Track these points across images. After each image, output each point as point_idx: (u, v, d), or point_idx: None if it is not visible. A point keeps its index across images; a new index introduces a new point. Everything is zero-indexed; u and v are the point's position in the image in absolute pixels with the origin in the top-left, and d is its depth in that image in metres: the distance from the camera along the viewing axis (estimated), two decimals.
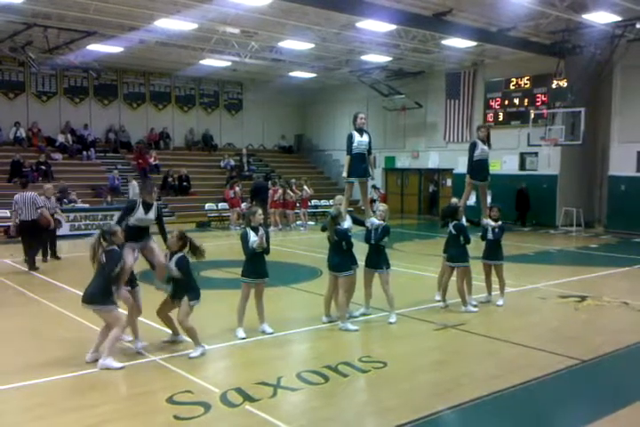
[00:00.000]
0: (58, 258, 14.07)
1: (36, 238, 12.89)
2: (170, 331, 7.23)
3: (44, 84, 24.23)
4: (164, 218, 7.62)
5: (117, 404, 5.67)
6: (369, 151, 8.66)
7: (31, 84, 23.96)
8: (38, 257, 13.17)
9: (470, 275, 9.46)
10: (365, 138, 8.55)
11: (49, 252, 13.89)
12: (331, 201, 23.55)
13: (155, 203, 7.39)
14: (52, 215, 13.37)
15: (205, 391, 5.80)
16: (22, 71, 23.54)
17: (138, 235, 7.19)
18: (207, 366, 6.62)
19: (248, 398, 5.59)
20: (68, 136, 24.17)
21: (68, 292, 10.40)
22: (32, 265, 12.54)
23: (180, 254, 6.81)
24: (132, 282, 7.04)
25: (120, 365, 6.34)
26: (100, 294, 6.40)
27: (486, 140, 9.61)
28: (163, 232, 7.28)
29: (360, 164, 8.61)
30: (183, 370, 6.37)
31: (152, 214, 7.28)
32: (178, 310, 6.82)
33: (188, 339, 6.99)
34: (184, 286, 6.79)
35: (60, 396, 5.73)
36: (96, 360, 6.43)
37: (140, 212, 7.20)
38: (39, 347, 7.30)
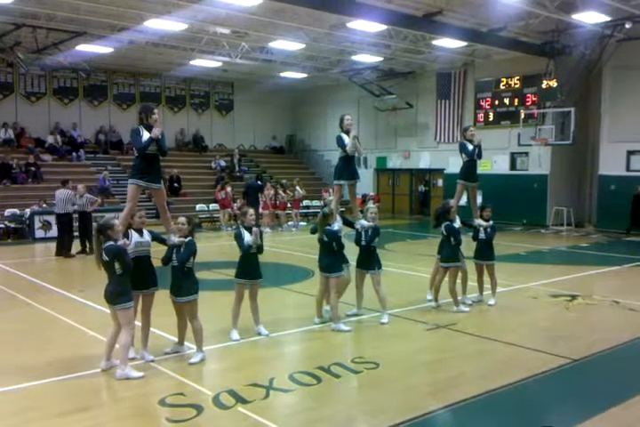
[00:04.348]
0: (71, 256, 14.81)
1: (66, 228, 14.91)
2: (176, 340, 7.08)
3: (32, 84, 24.05)
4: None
5: (108, 407, 5.65)
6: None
7: (20, 85, 23.79)
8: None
9: (467, 275, 9.51)
10: (353, 140, 8.53)
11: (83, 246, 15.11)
12: (323, 201, 23.60)
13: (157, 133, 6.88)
14: (83, 211, 15.18)
15: (198, 394, 5.78)
16: (11, 72, 23.37)
17: (148, 167, 6.86)
18: (200, 368, 6.57)
19: (240, 400, 5.57)
20: (58, 137, 24.01)
21: (57, 294, 10.34)
22: (64, 251, 14.66)
23: (189, 238, 6.70)
24: (147, 282, 6.71)
25: (140, 374, 6.17)
26: (115, 293, 6.21)
27: (474, 142, 9.65)
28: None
29: (349, 166, 8.63)
30: (175, 372, 6.34)
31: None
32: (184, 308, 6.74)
33: (189, 351, 6.90)
34: (185, 278, 6.66)
35: (49, 399, 5.68)
36: (111, 368, 6.32)
37: (146, 134, 6.85)
38: (29, 350, 7.25)
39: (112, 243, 6.19)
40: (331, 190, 20.50)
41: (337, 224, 8.29)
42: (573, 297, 10.05)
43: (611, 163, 20.02)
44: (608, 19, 16.90)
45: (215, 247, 16.55)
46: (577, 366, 6.66)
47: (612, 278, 12.39)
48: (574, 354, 6.96)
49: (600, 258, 14.94)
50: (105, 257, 6.17)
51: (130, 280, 6.33)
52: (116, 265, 6.18)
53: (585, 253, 15.81)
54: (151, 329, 6.89)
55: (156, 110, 7.13)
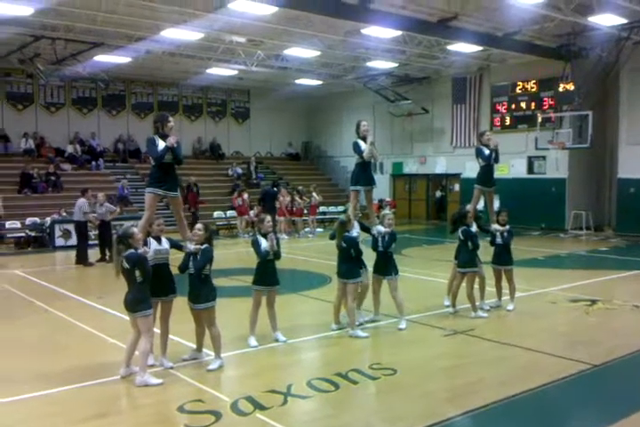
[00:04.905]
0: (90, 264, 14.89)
1: (82, 236, 15.26)
2: (194, 346, 7.11)
3: (52, 95, 24.39)
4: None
5: (128, 413, 5.71)
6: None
7: (40, 96, 24.13)
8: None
9: (484, 280, 9.46)
10: (369, 146, 8.55)
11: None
12: (339, 207, 23.63)
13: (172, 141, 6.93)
14: (102, 220, 15.20)
15: (216, 400, 5.81)
16: (31, 83, 23.71)
17: (164, 175, 6.98)
18: (218, 374, 6.61)
19: (259, 407, 5.59)
20: (77, 147, 24.29)
21: (76, 301, 10.46)
22: (82, 259, 14.79)
23: (205, 246, 6.74)
24: (166, 290, 6.79)
25: (159, 381, 6.21)
26: (135, 301, 6.27)
27: (490, 146, 9.61)
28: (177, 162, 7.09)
29: (365, 172, 8.65)
30: (194, 379, 6.38)
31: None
32: (203, 315, 6.78)
33: (207, 357, 6.93)
34: (202, 285, 6.68)
35: (72, 405, 5.75)
36: (130, 375, 6.37)
37: (161, 143, 6.92)
38: (50, 357, 7.34)
39: (132, 251, 6.25)
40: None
41: (355, 230, 8.30)
42: (593, 302, 9.96)
43: (630, 166, 19.82)
44: (625, 21, 16.76)
45: (232, 254, 16.63)
46: (597, 371, 6.60)
47: (633, 283, 12.24)
48: (594, 359, 6.90)
49: (620, 262, 14.78)
50: (126, 265, 6.24)
51: (149, 288, 6.40)
52: (137, 273, 6.24)
53: (604, 258, 15.65)
54: (169, 336, 6.95)
55: (171, 119, 7.20)
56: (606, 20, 16.60)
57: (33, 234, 18.55)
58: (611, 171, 21.28)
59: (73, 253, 15.32)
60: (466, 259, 9.07)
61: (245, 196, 21.16)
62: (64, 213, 18.77)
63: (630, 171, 19.81)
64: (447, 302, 9.55)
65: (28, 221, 18.95)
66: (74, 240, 17.07)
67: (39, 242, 18.47)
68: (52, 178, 21.91)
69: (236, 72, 23.91)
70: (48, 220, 18.58)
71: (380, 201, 23.79)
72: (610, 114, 20.76)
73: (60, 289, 11.62)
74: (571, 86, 19.59)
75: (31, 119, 23.89)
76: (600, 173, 21.81)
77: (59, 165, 23.08)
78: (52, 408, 5.68)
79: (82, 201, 15.07)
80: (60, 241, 17.99)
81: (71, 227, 16.89)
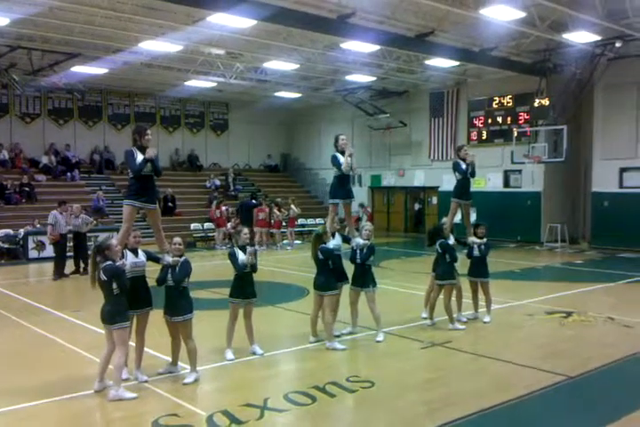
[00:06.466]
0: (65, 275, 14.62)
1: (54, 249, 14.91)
2: (169, 360, 7.01)
3: (27, 105, 24.14)
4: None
5: None
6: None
7: (15, 106, 23.87)
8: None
9: (461, 292, 9.51)
10: (348, 159, 8.58)
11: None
12: (318, 219, 23.63)
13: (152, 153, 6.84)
14: (77, 232, 14.95)
15: (192, 414, 5.72)
16: (6, 93, 23.40)
17: (143, 188, 6.89)
18: (194, 388, 6.52)
19: (234, 421, 5.52)
20: (52, 158, 24.02)
21: (51, 314, 10.28)
22: (56, 272, 14.38)
23: (184, 258, 6.73)
24: (141, 302, 6.69)
25: (133, 395, 6.10)
26: (112, 313, 6.17)
27: (466, 160, 9.72)
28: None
29: (344, 185, 8.67)
30: (169, 393, 6.28)
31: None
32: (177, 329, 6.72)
33: (183, 371, 6.85)
34: (180, 297, 6.64)
35: (42, 421, 5.62)
36: (104, 389, 6.26)
37: (140, 155, 6.84)
38: (21, 371, 7.19)
39: (110, 263, 6.18)
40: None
41: (332, 242, 8.29)
42: (568, 314, 10.05)
43: (604, 180, 20.13)
44: (598, 38, 17.09)
45: (210, 266, 16.51)
46: (573, 382, 6.64)
47: (607, 295, 12.39)
48: (570, 371, 6.94)
49: (594, 274, 14.95)
50: (103, 277, 6.16)
51: (126, 300, 6.31)
52: (114, 285, 6.16)
53: (579, 270, 15.82)
54: (144, 349, 6.85)
55: (149, 131, 7.14)
56: (580, 37, 16.92)
57: (6, 246, 18.24)
58: (585, 184, 21.59)
59: (47, 266, 15.07)
60: (443, 271, 9.11)
61: (224, 208, 21.08)
62: (38, 225, 18.51)
63: (604, 185, 20.12)
64: (425, 315, 9.57)
65: (1, 232, 18.61)
66: (48, 252, 16.83)
67: (12, 254, 18.16)
68: (27, 189, 21.62)
69: (214, 84, 23.91)
70: (22, 231, 18.30)
71: (361, 205, 23.92)
72: (584, 129, 21.10)
73: (34, 302, 11.39)
74: (546, 101, 19.92)
75: (6, 130, 23.60)
76: (575, 187, 22.12)
77: (33, 176, 22.79)
78: (23, 424, 5.55)
79: (54, 213, 14.76)
80: (33, 253, 17.73)
81: (45, 239, 16.54)
